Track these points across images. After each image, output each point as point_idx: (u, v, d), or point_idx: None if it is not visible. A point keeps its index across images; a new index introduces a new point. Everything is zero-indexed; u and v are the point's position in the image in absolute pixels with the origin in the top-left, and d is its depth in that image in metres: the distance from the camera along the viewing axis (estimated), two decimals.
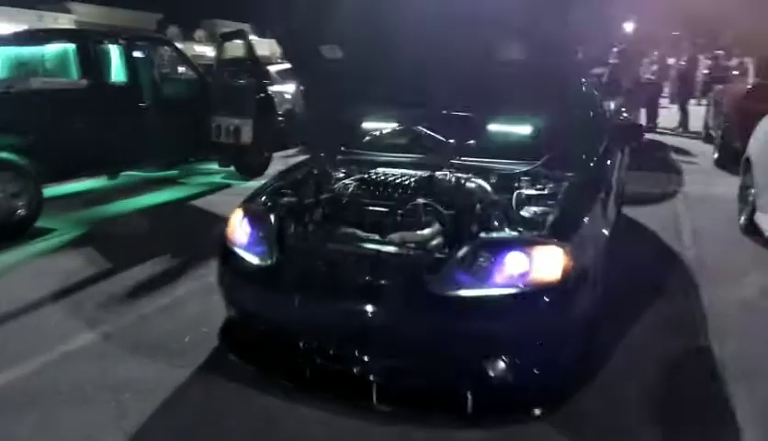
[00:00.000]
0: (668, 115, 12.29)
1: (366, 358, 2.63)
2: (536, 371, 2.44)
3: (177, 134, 6.77)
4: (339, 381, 2.66)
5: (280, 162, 8.21)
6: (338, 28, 3.22)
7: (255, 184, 7.27)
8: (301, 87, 7.94)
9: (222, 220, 5.44)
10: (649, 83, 11.51)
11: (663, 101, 12.64)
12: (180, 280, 4.22)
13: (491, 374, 2.43)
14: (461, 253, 2.46)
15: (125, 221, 5.95)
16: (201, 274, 4.24)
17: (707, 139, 9.58)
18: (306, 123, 4.93)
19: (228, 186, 7.49)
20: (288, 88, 10.56)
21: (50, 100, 5.69)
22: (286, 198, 3.15)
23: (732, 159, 7.43)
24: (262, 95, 7.53)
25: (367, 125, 4.01)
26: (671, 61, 13.47)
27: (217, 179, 7.77)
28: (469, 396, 2.44)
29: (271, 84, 9.15)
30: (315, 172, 3.47)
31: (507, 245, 2.47)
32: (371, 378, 2.60)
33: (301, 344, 2.75)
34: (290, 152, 8.95)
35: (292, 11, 3.24)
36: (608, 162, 3.50)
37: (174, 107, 6.82)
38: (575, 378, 2.60)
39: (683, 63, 12.86)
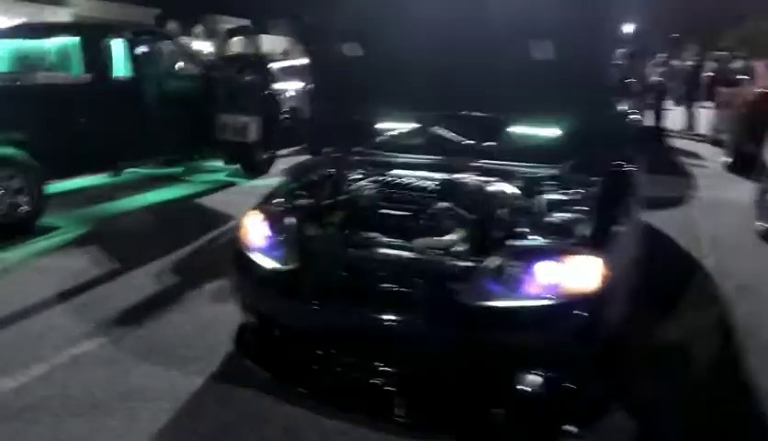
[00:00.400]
0: (673, 117, 12.21)
1: (388, 369, 2.53)
2: (570, 386, 2.35)
3: (182, 131, 6.65)
4: (360, 392, 2.56)
5: (283, 160, 8.13)
6: (360, 24, 3.12)
7: (260, 182, 7.23)
8: (310, 85, 7.84)
9: (229, 220, 5.42)
10: (656, 84, 11.43)
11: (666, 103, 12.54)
12: (190, 282, 4.11)
13: (524, 388, 2.33)
14: (493, 261, 2.36)
15: (130, 220, 5.84)
16: (212, 275, 4.13)
17: (716, 142, 9.50)
18: (318, 122, 4.83)
19: (232, 184, 7.37)
20: (291, 85, 10.44)
21: (55, 95, 5.56)
22: (303, 200, 3.04)
23: (744, 163, 7.37)
24: (268, 92, 7.43)
25: (384, 125, 3.90)
26: (675, 62, 13.38)
27: (221, 177, 7.66)
28: (500, 411, 2.35)
29: (274, 82, 9.02)
30: (331, 173, 3.36)
31: (542, 254, 2.36)
32: (394, 389, 2.50)
33: (321, 352, 2.66)
34: (293, 150, 8.86)
35: (314, 7, 3.14)
36: (634, 166, 3.40)
37: (179, 104, 6.69)
38: (611, 392, 2.50)
39: (689, 65, 12.77)
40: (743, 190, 6.69)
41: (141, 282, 4.13)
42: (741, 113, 7.80)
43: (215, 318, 3.50)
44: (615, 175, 3.04)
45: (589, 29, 3.01)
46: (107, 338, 3.33)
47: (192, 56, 7.61)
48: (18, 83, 5.48)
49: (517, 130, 3.60)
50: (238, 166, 7.61)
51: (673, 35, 14.99)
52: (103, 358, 3.13)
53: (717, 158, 8.52)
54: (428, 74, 3.22)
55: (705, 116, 11.30)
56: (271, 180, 7.40)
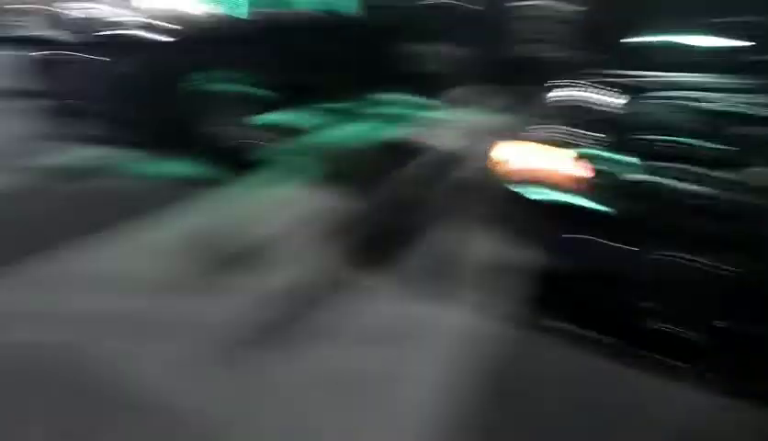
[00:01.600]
0: None
1: (714, 322, 2.32)
2: None
3: (377, 63, 6.53)
4: (675, 344, 2.40)
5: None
6: None
7: (445, 114, 6.97)
8: None
9: (440, 151, 5.16)
10: None
11: None
12: (444, 215, 3.98)
13: None
14: None
15: (340, 152, 5.73)
16: (469, 210, 3.99)
17: None
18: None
19: (422, 115, 7.16)
20: None
21: (290, 28, 5.64)
22: (599, 134, 2.77)
23: None
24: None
25: (639, 41, 3.39)
26: None
27: (407, 108, 7.45)
28: None
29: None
30: (608, 101, 3.00)
31: None
32: (716, 345, 2.34)
33: (637, 301, 2.49)
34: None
35: None
36: None
37: (379, 36, 6.54)
38: None
39: None
40: None
41: (388, 211, 4.10)
42: None
43: (491, 256, 3.36)
44: None
45: None
46: (383, 273, 3.29)
47: None
48: (265, 19, 5.57)
49: None
50: (422, 97, 7.40)
51: None
52: (383, 289, 3.12)
53: None
54: None
55: None
56: (456, 111, 7.19)
